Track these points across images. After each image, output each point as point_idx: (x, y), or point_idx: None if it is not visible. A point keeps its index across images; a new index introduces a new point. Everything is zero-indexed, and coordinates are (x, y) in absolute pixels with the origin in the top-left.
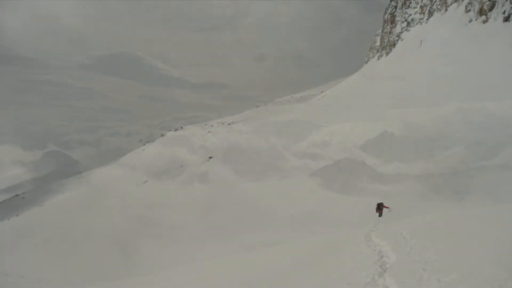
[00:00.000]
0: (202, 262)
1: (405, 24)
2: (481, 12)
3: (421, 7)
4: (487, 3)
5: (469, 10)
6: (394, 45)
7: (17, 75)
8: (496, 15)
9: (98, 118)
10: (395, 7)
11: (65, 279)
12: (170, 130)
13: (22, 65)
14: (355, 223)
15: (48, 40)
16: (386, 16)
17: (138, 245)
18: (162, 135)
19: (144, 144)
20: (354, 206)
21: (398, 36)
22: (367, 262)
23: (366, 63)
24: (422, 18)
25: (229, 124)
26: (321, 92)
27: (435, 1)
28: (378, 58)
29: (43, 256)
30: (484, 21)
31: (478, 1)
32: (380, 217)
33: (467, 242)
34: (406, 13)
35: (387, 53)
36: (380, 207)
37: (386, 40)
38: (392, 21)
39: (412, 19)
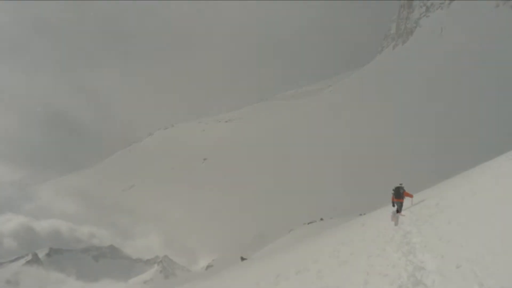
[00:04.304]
0: None
1: (424, 9)
2: None
3: None
4: None
5: None
6: (411, 32)
7: None
8: None
9: None
10: None
11: None
12: (159, 129)
13: None
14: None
15: None
16: (402, 0)
17: None
18: (150, 134)
19: (130, 145)
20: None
21: (416, 22)
22: None
23: (380, 53)
24: (443, 3)
25: (226, 122)
26: (329, 86)
27: None
28: (394, 48)
29: None
30: None
31: None
32: (398, 214)
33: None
34: None
35: (404, 42)
36: (399, 194)
37: (402, 27)
38: (409, 5)
39: (431, 4)
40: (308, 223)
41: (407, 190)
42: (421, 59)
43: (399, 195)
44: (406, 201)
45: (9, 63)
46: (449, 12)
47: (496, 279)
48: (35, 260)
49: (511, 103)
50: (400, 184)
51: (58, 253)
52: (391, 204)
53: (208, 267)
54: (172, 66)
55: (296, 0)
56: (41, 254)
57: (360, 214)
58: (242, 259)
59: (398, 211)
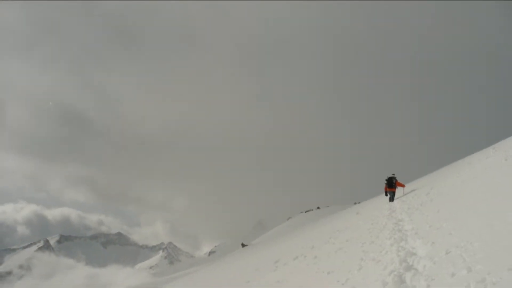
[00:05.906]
0: None
1: None
2: None
3: None
4: None
5: None
6: None
7: None
8: None
9: None
10: None
11: None
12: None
13: None
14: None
15: None
16: None
17: None
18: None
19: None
20: None
21: None
22: None
23: None
24: None
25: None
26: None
27: None
28: None
29: None
30: None
31: None
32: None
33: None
34: None
35: None
36: (392, 184)
37: None
38: None
39: None
40: (305, 212)
41: (399, 180)
42: None
43: (391, 185)
44: (399, 191)
45: (23, 61)
46: None
47: (483, 265)
48: (46, 246)
49: (502, 100)
50: (393, 174)
51: (69, 240)
52: (384, 194)
53: (210, 253)
54: (176, 65)
55: None
56: (52, 241)
57: (355, 203)
58: (243, 245)
59: (391, 199)
